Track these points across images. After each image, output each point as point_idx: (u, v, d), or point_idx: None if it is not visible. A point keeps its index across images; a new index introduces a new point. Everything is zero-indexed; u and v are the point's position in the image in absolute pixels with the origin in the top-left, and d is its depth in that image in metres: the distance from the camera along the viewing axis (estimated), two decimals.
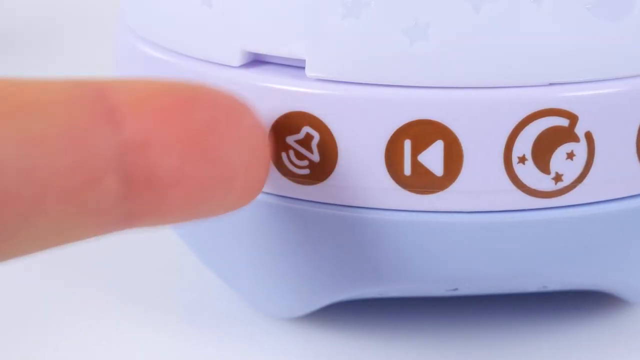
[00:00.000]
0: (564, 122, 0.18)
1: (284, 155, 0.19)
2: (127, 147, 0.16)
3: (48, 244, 0.16)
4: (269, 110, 0.19)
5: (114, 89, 0.16)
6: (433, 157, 0.19)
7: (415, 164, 0.19)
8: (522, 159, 0.19)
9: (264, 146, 0.18)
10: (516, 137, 0.18)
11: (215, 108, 0.17)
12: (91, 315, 0.24)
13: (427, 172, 0.19)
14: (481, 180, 0.19)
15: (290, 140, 0.19)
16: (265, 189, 0.20)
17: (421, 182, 0.19)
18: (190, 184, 0.17)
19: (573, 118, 0.18)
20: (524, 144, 0.18)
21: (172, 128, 0.16)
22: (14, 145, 0.15)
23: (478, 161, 0.18)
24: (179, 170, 0.17)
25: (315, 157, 0.19)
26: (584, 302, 0.24)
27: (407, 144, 0.19)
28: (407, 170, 0.19)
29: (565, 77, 0.18)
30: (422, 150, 0.18)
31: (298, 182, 0.19)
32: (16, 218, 0.15)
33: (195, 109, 0.17)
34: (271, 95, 0.19)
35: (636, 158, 0.19)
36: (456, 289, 0.21)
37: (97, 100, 0.16)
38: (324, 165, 0.19)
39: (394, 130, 0.18)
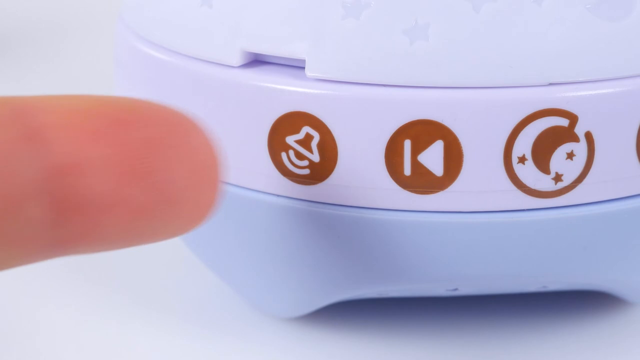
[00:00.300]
0: (563, 122, 0.18)
1: (284, 155, 0.19)
2: (55, 170, 0.15)
3: None
4: (269, 110, 0.19)
5: (39, 109, 0.15)
6: (433, 157, 0.19)
7: (415, 164, 0.19)
8: (522, 159, 0.19)
9: (213, 166, 0.17)
10: (516, 137, 0.18)
11: (156, 126, 0.16)
12: (91, 314, 0.24)
13: (427, 172, 0.19)
14: (481, 180, 0.19)
15: (290, 140, 0.19)
16: (265, 189, 0.20)
17: (421, 182, 0.19)
18: (126, 209, 0.16)
19: (573, 118, 0.18)
20: (524, 144, 0.18)
21: (106, 149, 0.15)
22: None
23: (478, 161, 0.18)
24: (114, 193, 0.15)
25: (315, 157, 0.19)
26: (584, 302, 0.24)
27: (407, 144, 0.19)
28: (407, 170, 0.19)
29: (565, 77, 0.18)
30: (422, 150, 0.18)
31: (298, 182, 0.19)
32: None
33: (132, 127, 0.16)
34: (271, 95, 0.19)
35: (636, 158, 0.19)
36: (456, 289, 0.21)
37: (19, 121, 0.15)
38: (324, 165, 0.19)
39: (394, 130, 0.18)
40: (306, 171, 0.19)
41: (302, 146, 0.19)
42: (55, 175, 0.15)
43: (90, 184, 0.15)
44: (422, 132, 0.18)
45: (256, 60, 0.20)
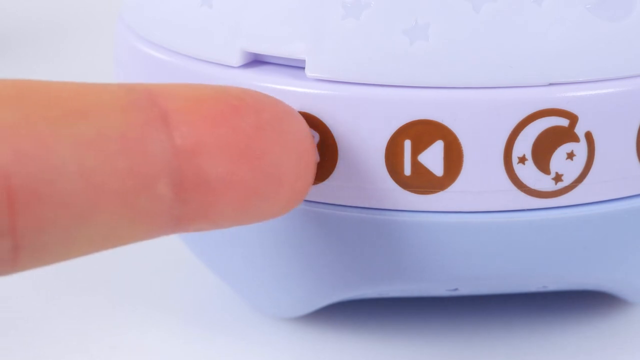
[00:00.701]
0: (564, 122, 0.18)
1: None
2: (179, 152, 0.16)
3: (100, 247, 0.16)
4: None
5: (163, 95, 0.16)
6: (433, 157, 0.19)
7: (415, 164, 0.19)
8: (522, 159, 0.19)
9: (311, 153, 0.18)
10: (516, 137, 0.18)
11: (263, 114, 0.17)
12: (90, 314, 0.24)
13: (427, 172, 0.19)
14: (481, 180, 0.19)
15: None
16: None
17: (421, 182, 0.19)
18: (240, 189, 0.17)
19: (573, 118, 0.18)
20: (524, 144, 0.18)
21: (223, 134, 0.17)
22: (71, 148, 0.15)
23: (478, 161, 0.18)
24: (230, 175, 0.17)
25: (316, 157, 0.19)
26: (584, 302, 0.24)
27: (407, 144, 0.19)
28: (407, 170, 0.19)
29: (565, 77, 0.18)
30: (422, 150, 0.18)
31: None
32: (72, 220, 0.15)
33: (244, 114, 0.17)
34: (271, 96, 0.19)
35: (636, 158, 0.19)
36: (456, 289, 0.21)
37: (150, 106, 0.16)
38: (324, 165, 0.19)
39: (394, 130, 0.18)
40: None
41: None
42: (179, 156, 0.16)
43: (209, 165, 0.16)
44: (422, 132, 0.18)
45: (256, 60, 0.20)
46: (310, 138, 0.18)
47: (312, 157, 0.18)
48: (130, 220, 0.16)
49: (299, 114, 0.18)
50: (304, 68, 0.19)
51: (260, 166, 0.17)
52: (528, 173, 0.19)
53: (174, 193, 0.16)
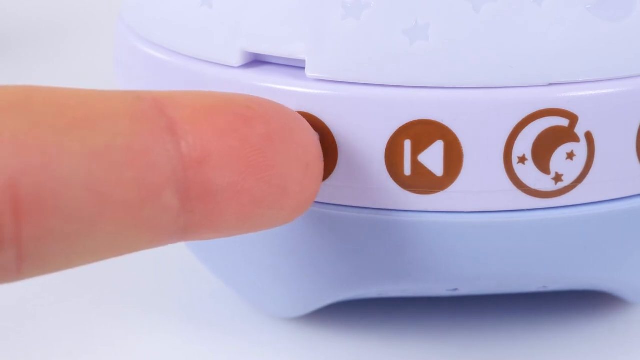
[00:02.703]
0: (564, 122, 0.18)
1: None
2: (186, 162, 0.16)
3: (104, 256, 0.16)
4: None
5: (170, 104, 0.16)
6: (433, 157, 0.19)
7: (415, 164, 0.19)
8: (522, 159, 0.19)
9: (318, 162, 0.18)
10: (516, 137, 0.18)
11: (271, 123, 0.17)
12: (90, 314, 0.24)
13: (427, 172, 0.19)
14: (481, 180, 0.19)
15: None
16: None
17: (421, 182, 0.19)
18: (245, 199, 0.17)
19: (573, 118, 0.18)
20: (524, 144, 0.18)
21: (229, 144, 0.16)
22: (77, 158, 0.15)
23: (478, 161, 0.18)
24: (235, 185, 0.16)
25: (322, 166, 0.19)
26: (584, 302, 0.24)
27: (407, 144, 0.19)
28: (407, 170, 0.19)
29: (565, 77, 0.18)
30: (422, 150, 0.18)
31: None
32: (77, 230, 0.15)
33: (251, 124, 0.17)
34: (271, 95, 0.19)
35: (636, 158, 0.19)
36: (456, 289, 0.21)
37: (157, 115, 0.16)
38: (324, 166, 0.19)
39: (394, 130, 0.18)
40: None
41: None
42: (186, 166, 0.16)
43: (216, 175, 0.16)
44: (422, 132, 0.18)
45: (256, 60, 0.20)
46: (317, 147, 0.18)
47: (318, 166, 0.18)
48: (135, 230, 0.16)
49: (306, 122, 0.18)
50: (304, 68, 0.19)
51: (267, 177, 0.17)
52: (528, 173, 0.19)
53: (180, 203, 0.16)
